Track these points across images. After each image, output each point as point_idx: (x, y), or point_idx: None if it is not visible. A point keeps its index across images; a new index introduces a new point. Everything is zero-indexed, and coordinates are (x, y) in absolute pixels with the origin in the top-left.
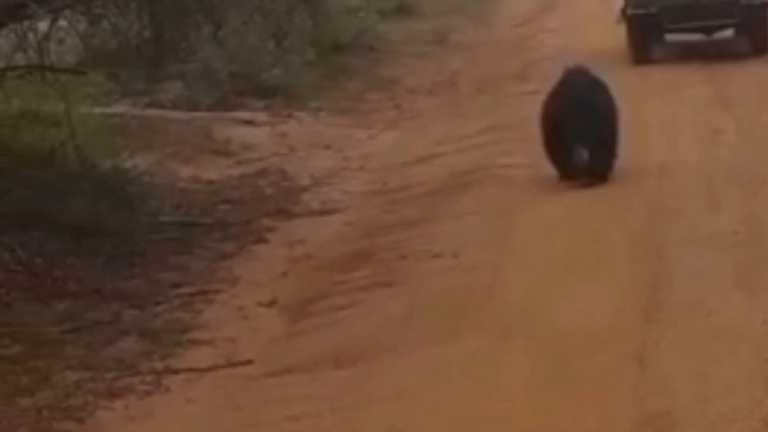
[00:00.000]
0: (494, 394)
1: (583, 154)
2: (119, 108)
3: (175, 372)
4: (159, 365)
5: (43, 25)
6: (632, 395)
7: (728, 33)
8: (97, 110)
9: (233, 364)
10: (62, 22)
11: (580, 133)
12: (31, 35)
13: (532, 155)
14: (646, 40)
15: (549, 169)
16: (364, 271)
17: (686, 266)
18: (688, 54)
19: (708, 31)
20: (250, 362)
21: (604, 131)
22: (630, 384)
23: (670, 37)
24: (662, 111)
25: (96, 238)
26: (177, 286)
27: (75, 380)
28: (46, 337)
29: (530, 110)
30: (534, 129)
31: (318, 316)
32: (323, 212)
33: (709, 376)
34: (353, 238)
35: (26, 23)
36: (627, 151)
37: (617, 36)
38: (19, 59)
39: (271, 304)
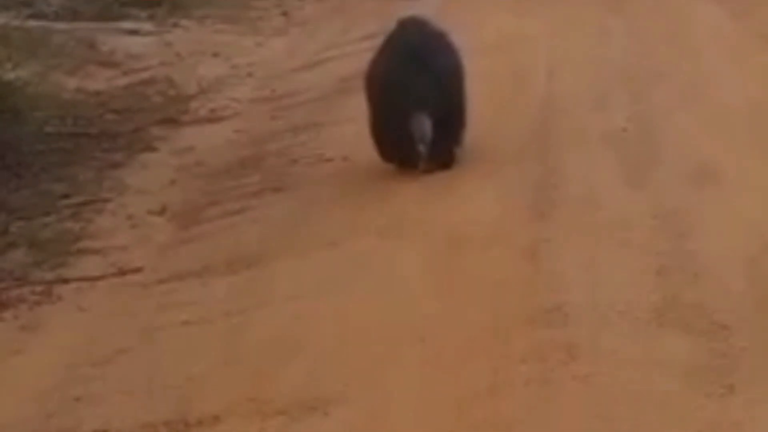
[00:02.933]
0: (389, 290)
1: (425, 124)
2: (0, 19)
3: (66, 281)
4: (49, 275)
5: None
6: (524, 291)
7: None
8: None
9: (124, 272)
10: None
11: (417, 99)
12: None
13: None
14: None
15: None
16: (255, 177)
17: (576, 164)
18: None
19: None
20: (140, 270)
21: (447, 96)
22: (522, 280)
23: None
24: (551, 15)
25: None
26: (65, 196)
27: None
28: None
29: None
30: None
31: (209, 222)
32: (212, 120)
33: (600, 270)
34: (242, 145)
35: None
36: (514, 55)
37: None
38: None
39: (162, 211)
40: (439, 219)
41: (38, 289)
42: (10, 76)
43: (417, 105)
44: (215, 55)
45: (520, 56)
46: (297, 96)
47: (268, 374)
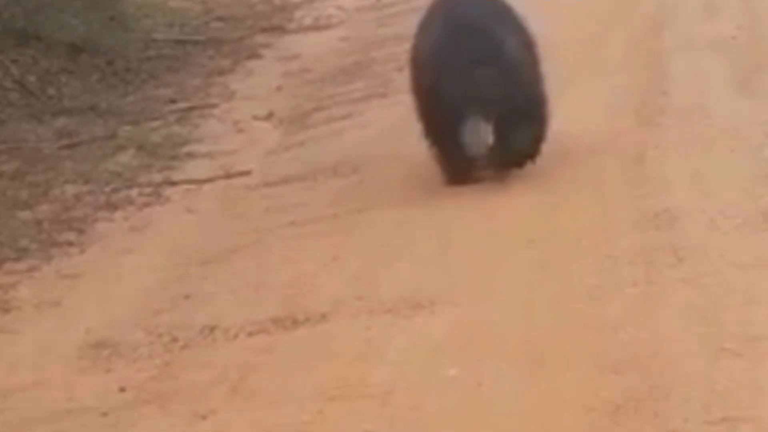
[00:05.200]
0: (495, 194)
1: (480, 131)
2: None
3: (174, 184)
4: (157, 177)
5: None
6: (633, 194)
7: None
8: None
9: (232, 175)
10: None
11: (472, 95)
12: None
13: None
14: None
15: None
16: (360, 84)
17: (685, 71)
18: None
19: None
20: (248, 173)
21: (514, 87)
22: (630, 184)
23: None
24: None
25: (90, 55)
26: (172, 102)
27: (74, 193)
28: (44, 153)
29: None
30: None
31: (315, 127)
32: (317, 28)
33: (709, 175)
34: (348, 52)
35: None
36: None
37: None
38: None
39: (268, 117)
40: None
41: (147, 191)
42: None
43: (472, 104)
44: None
45: None
46: (402, 4)
47: (374, 274)
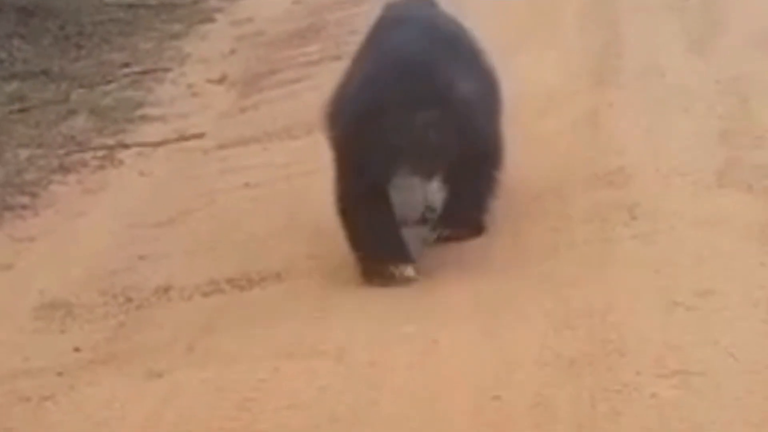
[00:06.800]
0: None
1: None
2: None
3: (127, 146)
4: (111, 141)
5: None
6: (586, 154)
7: None
8: None
9: (185, 138)
10: None
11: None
12: None
13: None
14: None
15: None
16: (314, 47)
17: (638, 32)
18: None
19: None
20: (202, 135)
21: (465, 133)
22: (584, 143)
23: None
24: None
25: (42, 19)
26: (125, 65)
27: (27, 157)
28: None
29: None
30: None
31: (269, 90)
32: None
33: (664, 133)
34: (302, 15)
35: None
36: None
37: None
38: None
39: (222, 80)
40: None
41: (100, 154)
42: None
43: (418, 153)
44: None
45: None
46: None
47: (328, 234)
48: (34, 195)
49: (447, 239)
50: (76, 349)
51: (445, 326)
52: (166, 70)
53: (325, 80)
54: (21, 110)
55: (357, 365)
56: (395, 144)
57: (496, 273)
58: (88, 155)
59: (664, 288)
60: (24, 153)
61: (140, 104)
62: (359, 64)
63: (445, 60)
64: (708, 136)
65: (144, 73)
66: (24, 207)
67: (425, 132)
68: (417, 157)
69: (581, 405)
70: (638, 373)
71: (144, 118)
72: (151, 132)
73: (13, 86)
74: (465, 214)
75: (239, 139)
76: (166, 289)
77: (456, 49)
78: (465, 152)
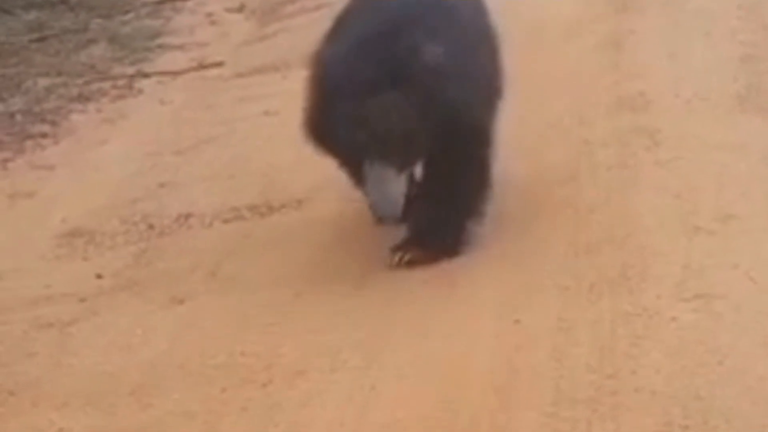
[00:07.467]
0: None
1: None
2: None
3: (147, 75)
4: (130, 69)
5: None
6: (607, 79)
7: None
8: None
9: (205, 66)
10: None
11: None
12: None
13: None
14: None
15: None
16: None
17: None
18: None
19: None
20: (221, 64)
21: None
22: (605, 68)
23: None
24: None
25: None
26: None
27: (46, 86)
28: (15, 46)
29: None
30: None
31: (288, 18)
32: None
33: (684, 58)
34: None
35: None
36: None
37: None
38: None
39: (240, 8)
40: (521, 13)
41: (120, 83)
42: None
43: (380, 146)
44: None
45: None
46: None
47: None
48: (54, 124)
49: (410, 263)
50: (98, 276)
51: (465, 256)
52: None
53: None
54: (40, 39)
55: (376, 290)
56: (351, 139)
57: (517, 198)
58: (107, 84)
59: (685, 213)
60: (43, 82)
61: (159, 33)
62: (328, 41)
63: (412, 24)
64: (729, 61)
65: (162, 2)
66: (44, 136)
67: (384, 119)
68: (382, 147)
69: (602, 329)
70: (659, 297)
71: (163, 47)
72: (170, 61)
73: (32, 15)
74: (437, 233)
75: (258, 67)
76: (187, 216)
77: (431, 7)
78: (443, 130)
